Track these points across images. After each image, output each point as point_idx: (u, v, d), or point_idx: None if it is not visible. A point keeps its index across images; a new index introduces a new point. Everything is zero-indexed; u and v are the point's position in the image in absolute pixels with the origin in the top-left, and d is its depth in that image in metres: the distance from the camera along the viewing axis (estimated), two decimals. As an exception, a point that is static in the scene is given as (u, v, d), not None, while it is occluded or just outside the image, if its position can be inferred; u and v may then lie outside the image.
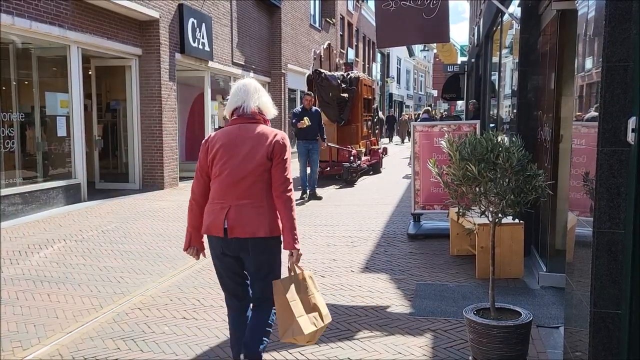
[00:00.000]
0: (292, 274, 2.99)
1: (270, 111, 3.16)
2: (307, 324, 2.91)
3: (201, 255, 3.23)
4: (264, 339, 3.06)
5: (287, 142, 3.04)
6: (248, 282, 3.18)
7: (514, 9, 7.08)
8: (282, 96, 18.97)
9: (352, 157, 13.07)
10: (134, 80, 11.43)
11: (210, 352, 3.78)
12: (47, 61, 9.80)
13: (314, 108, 10.65)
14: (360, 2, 33.25)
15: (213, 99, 14.73)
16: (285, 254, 3.01)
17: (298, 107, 11.47)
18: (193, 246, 3.17)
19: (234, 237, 2.94)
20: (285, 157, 2.99)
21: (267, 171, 2.96)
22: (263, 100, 3.11)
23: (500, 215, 3.52)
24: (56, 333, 4.09)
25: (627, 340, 2.63)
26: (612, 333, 2.67)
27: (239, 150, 2.98)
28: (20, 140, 8.61)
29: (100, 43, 10.04)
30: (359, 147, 14.05)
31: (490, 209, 3.52)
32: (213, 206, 3.01)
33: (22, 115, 8.65)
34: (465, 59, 24.31)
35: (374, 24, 7.52)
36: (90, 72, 11.20)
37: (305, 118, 10.02)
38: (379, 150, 16.40)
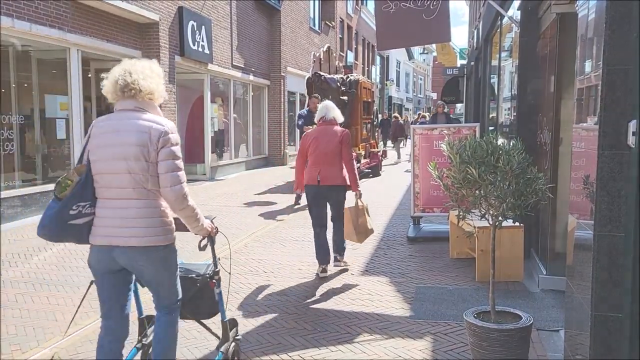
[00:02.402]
0: (355, 205, 5.53)
1: (339, 118, 5.62)
2: (357, 233, 5.58)
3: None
4: (344, 244, 5.74)
5: (349, 134, 5.53)
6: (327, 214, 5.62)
7: (514, 11, 7.09)
8: (282, 99, 18.95)
9: (351, 160, 13.05)
10: (134, 83, 11.40)
11: (210, 355, 3.77)
12: (47, 64, 9.80)
13: None
14: (359, 5, 33.31)
15: (212, 101, 14.74)
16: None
17: (304, 109, 11.38)
18: (300, 189, 5.58)
19: (324, 185, 5.38)
20: (349, 142, 5.47)
21: (340, 150, 5.39)
22: (336, 113, 5.59)
23: (500, 218, 3.52)
24: (55, 336, 4.08)
25: (628, 344, 2.63)
26: (613, 336, 2.67)
27: (323, 141, 5.43)
28: (20, 143, 8.60)
29: (100, 45, 10.05)
30: (359, 150, 14.04)
31: (491, 212, 3.52)
32: (310, 169, 5.46)
33: (21, 117, 8.64)
34: (464, 62, 24.31)
35: (374, 27, 7.52)
36: (89, 75, 11.18)
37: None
38: (379, 153, 16.38)
